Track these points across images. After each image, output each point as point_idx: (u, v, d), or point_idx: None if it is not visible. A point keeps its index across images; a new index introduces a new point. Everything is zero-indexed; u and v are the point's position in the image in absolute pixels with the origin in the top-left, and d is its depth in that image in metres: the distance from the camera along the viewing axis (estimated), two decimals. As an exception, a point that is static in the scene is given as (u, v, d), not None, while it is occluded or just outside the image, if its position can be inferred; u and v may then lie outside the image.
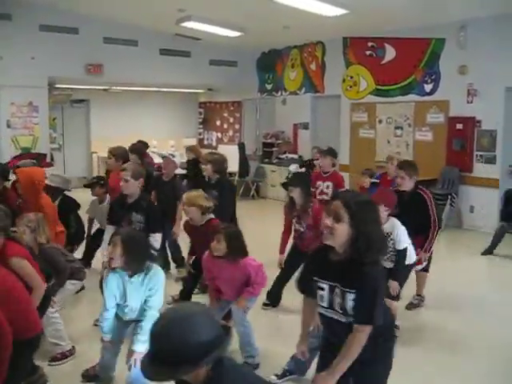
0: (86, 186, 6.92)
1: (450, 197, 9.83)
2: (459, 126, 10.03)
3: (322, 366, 2.93)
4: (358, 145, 11.84)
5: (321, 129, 13.18)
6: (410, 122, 10.97)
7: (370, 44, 11.56)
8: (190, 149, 9.51)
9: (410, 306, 5.90)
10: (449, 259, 8.01)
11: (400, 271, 4.91)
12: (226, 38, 12.38)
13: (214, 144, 16.17)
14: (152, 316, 3.67)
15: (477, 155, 9.85)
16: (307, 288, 2.94)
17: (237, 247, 4.34)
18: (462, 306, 6.05)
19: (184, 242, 6.06)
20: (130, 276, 3.83)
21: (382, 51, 11.34)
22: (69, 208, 6.39)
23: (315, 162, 9.91)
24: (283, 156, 13.32)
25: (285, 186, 5.72)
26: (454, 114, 10.16)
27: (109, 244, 3.93)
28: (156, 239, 4.92)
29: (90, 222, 6.90)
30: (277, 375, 4.25)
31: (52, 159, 12.51)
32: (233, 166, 13.53)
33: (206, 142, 16.76)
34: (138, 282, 3.83)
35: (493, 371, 4.49)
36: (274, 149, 13.88)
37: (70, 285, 4.72)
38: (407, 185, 5.54)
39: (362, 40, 11.68)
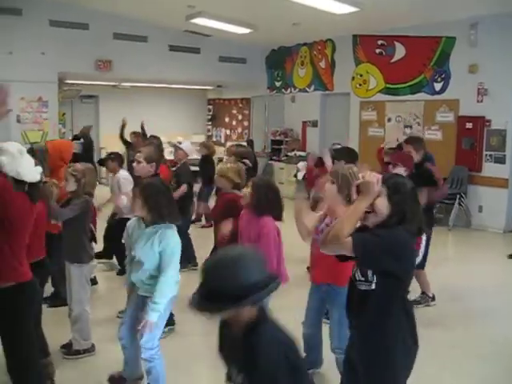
0: (100, 164, 6.97)
1: (458, 196, 9.79)
2: (469, 125, 9.98)
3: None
4: (366, 143, 11.79)
5: (330, 127, 13.15)
6: (419, 121, 10.93)
7: (379, 42, 11.52)
8: (203, 145, 9.48)
9: (413, 303, 5.85)
10: (457, 259, 7.99)
11: None
12: (235, 34, 12.36)
13: (223, 141, 16.18)
14: (163, 282, 3.56)
15: (486, 155, 9.80)
16: None
17: (264, 201, 4.06)
18: (467, 304, 6.04)
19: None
20: (146, 226, 3.73)
21: (391, 49, 11.29)
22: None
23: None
24: (292, 153, 13.29)
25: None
26: (463, 113, 10.11)
27: None
28: None
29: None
30: None
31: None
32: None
33: (214, 139, 16.76)
34: (149, 233, 3.69)
35: (496, 371, 4.46)
36: (283, 146, 13.87)
37: (78, 270, 4.43)
38: (415, 158, 5.75)
39: (372, 38, 11.64)
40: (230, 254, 2.09)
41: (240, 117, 15.75)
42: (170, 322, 4.71)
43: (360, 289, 2.71)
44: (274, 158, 13.98)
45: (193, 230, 7.35)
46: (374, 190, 2.55)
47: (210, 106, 17.14)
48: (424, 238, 5.36)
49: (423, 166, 5.81)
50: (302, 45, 13.50)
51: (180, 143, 7.34)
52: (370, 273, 2.66)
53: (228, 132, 16.29)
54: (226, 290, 1.94)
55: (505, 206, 9.46)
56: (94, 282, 6.07)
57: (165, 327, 4.02)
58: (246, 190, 4.15)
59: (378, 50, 11.60)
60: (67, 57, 11.54)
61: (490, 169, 9.77)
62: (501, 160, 9.55)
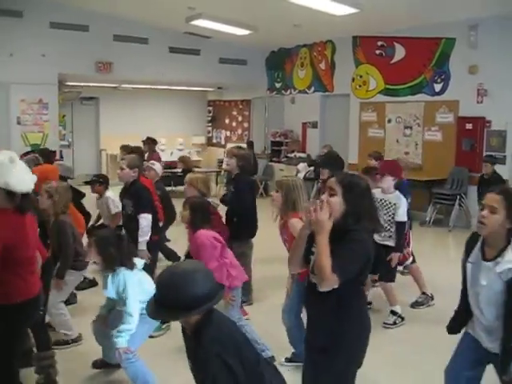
0: (86, 183, 7.11)
1: (458, 197, 9.80)
2: (469, 126, 10.00)
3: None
4: (367, 144, 11.80)
5: (330, 128, 13.17)
6: (419, 122, 10.94)
7: (379, 43, 11.53)
8: (181, 160, 9.71)
9: (414, 304, 5.89)
10: (458, 260, 7.97)
11: (399, 244, 5.26)
12: (235, 36, 12.38)
13: (223, 142, 16.21)
14: (127, 320, 3.80)
15: (486, 155, 9.79)
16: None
17: (198, 217, 4.39)
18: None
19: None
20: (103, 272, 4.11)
21: (391, 50, 11.31)
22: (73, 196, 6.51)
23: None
24: (292, 155, 13.31)
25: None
26: (463, 113, 10.12)
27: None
28: (143, 218, 5.10)
29: (99, 216, 7.03)
30: (286, 358, 4.38)
31: (61, 156, 12.55)
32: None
33: (214, 140, 16.80)
34: (106, 276, 4.04)
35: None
36: (283, 147, 13.89)
37: (71, 275, 4.76)
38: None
39: (372, 39, 11.65)
40: (181, 269, 2.41)
41: (240, 118, 15.77)
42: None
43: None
44: (274, 159, 13.99)
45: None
46: (327, 226, 2.58)
47: (210, 108, 17.16)
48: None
49: None
50: (302, 46, 13.52)
51: (153, 164, 7.57)
52: None
53: (228, 133, 16.30)
54: (177, 302, 2.24)
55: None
56: (93, 283, 6.27)
57: (162, 323, 4.49)
58: (184, 212, 4.43)
59: (377, 51, 11.61)
60: (67, 58, 11.58)
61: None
62: (501, 161, 9.49)
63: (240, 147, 7.05)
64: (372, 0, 9.14)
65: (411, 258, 5.85)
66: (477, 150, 9.89)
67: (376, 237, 5.32)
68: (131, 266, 3.99)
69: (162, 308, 2.29)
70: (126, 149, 8.62)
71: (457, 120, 10.23)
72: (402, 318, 5.35)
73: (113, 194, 6.70)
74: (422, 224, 10.10)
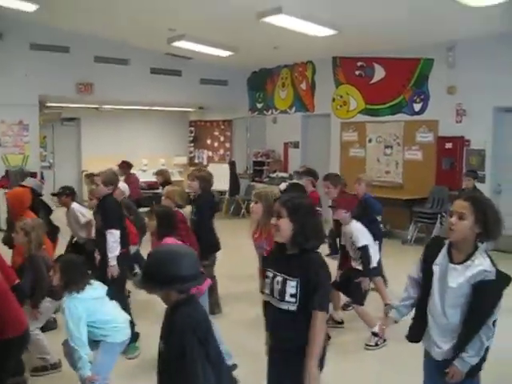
0: (53, 195, 7.13)
1: (439, 216, 9.87)
2: (448, 146, 10.11)
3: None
4: (348, 164, 11.88)
5: (311, 148, 13.24)
6: (399, 141, 11.05)
7: (359, 64, 11.66)
8: (159, 173, 9.72)
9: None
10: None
11: (367, 269, 5.38)
12: (216, 57, 12.42)
13: (205, 162, 16.18)
14: (73, 349, 3.76)
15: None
16: None
17: (164, 225, 4.52)
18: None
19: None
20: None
21: (371, 71, 11.44)
22: (38, 211, 6.45)
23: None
24: (274, 175, 13.32)
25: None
26: (443, 133, 10.25)
27: None
28: (110, 234, 5.06)
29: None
30: None
31: (42, 177, 12.45)
32: (223, 184, 13.56)
33: (196, 161, 16.77)
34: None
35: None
36: (265, 167, 13.91)
37: (47, 302, 4.74)
38: (333, 194, 6.18)
39: (352, 60, 11.78)
40: (170, 249, 2.76)
41: (222, 138, 15.79)
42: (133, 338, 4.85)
43: (276, 307, 2.92)
44: (256, 179, 13.99)
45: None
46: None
47: (192, 128, 17.15)
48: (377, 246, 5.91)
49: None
50: (283, 67, 13.62)
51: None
52: (289, 293, 2.86)
53: (210, 153, 16.30)
54: (158, 275, 2.43)
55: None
56: None
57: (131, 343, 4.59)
58: (151, 222, 4.57)
59: (357, 72, 11.74)
60: (48, 80, 11.55)
61: (469, 188, 9.86)
62: (480, 179, 9.56)
63: (200, 169, 7.28)
64: (351, 22, 9.24)
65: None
66: (457, 168, 9.99)
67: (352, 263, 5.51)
68: (77, 289, 3.92)
69: (148, 281, 2.48)
70: (89, 177, 8.51)
71: (437, 139, 10.35)
72: (384, 340, 5.35)
73: (78, 205, 6.77)
74: (403, 242, 10.16)
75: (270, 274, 2.97)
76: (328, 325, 5.61)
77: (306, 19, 9.09)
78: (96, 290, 4.05)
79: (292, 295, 2.84)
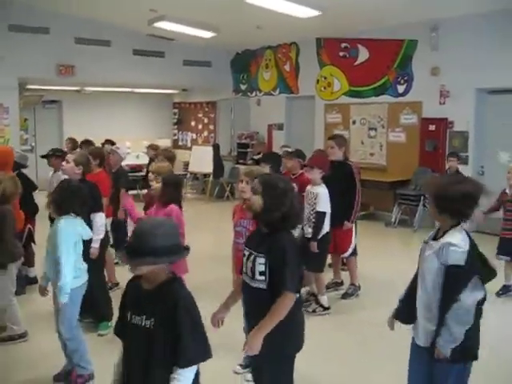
0: (42, 157, 7.11)
1: (422, 198, 9.86)
2: (432, 127, 10.10)
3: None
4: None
5: (295, 130, 13.18)
6: (383, 123, 11.01)
7: (343, 45, 11.57)
8: (151, 147, 9.62)
9: (345, 296, 6.22)
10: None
11: (316, 234, 5.41)
12: (199, 38, 12.28)
13: (189, 145, 16.08)
14: (61, 266, 3.80)
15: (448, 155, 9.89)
16: None
17: (170, 192, 4.57)
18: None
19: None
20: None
21: (355, 52, 11.35)
22: (25, 186, 6.32)
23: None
24: (258, 157, 13.25)
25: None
26: (426, 115, 10.22)
27: None
28: (98, 217, 5.01)
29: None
30: (241, 365, 4.35)
31: (24, 161, 12.28)
32: (207, 167, 13.49)
33: (180, 143, 16.66)
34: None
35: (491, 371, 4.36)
36: (249, 149, 13.84)
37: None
38: (337, 155, 6.10)
39: (335, 41, 11.69)
40: (152, 222, 2.67)
41: (206, 120, 15.67)
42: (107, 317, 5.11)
43: (250, 285, 2.97)
44: (241, 161, 13.92)
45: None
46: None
47: (176, 110, 17.02)
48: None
49: (346, 165, 6.19)
50: (267, 48, 13.50)
51: (118, 148, 7.52)
52: (258, 271, 2.92)
53: (194, 136, 16.19)
54: (144, 249, 2.36)
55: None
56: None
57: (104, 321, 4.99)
58: (157, 185, 4.64)
59: (341, 53, 11.65)
60: (27, 62, 11.33)
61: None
62: (463, 161, 9.59)
63: (166, 149, 7.60)
64: (334, 2, 9.15)
65: (350, 251, 6.15)
66: (440, 150, 9.98)
67: (305, 230, 5.56)
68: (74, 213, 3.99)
69: (132, 255, 2.41)
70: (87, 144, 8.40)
71: (420, 121, 10.32)
72: (326, 308, 5.65)
73: None
74: (387, 225, 10.18)
75: (246, 253, 3.02)
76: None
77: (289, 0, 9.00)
78: (84, 228, 4.12)
79: (261, 273, 2.90)
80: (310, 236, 5.45)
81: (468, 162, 9.64)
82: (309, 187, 5.55)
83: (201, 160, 13.75)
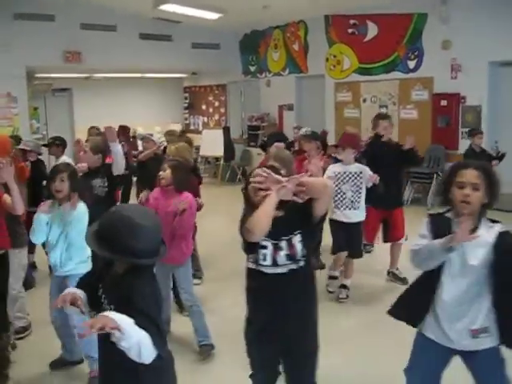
0: (44, 146, 7.14)
1: (435, 175, 9.69)
2: (444, 103, 9.88)
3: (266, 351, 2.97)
4: (343, 125, 11.58)
5: (306, 109, 13.01)
6: (394, 100, 10.81)
7: (351, 22, 11.34)
8: (169, 133, 9.47)
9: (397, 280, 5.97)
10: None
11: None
12: (206, 20, 12.11)
13: (201, 129, 15.99)
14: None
15: (462, 132, 9.67)
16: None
17: (181, 178, 4.41)
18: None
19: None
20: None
21: (364, 29, 11.12)
22: (42, 174, 6.29)
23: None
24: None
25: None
26: (438, 90, 9.99)
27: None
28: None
29: None
30: None
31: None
32: (218, 150, 13.40)
33: (192, 127, 16.58)
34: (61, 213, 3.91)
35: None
36: (260, 131, 13.69)
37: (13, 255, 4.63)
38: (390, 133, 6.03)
39: (344, 18, 11.46)
40: (131, 215, 2.28)
41: (216, 103, 15.55)
42: None
43: (281, 272, 2.82)
44: (252, 143, 13.79)
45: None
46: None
47: (187, 94, 16.91)
48: None
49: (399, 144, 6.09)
50: (275, 28, 13.29)
51: (151, 135, 7.34)
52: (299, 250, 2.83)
53: (205, 119, 16.08)
54: (112, 240, 2.20)
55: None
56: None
57: None
58: (166, 173, 4.36)
59: (350, 30, 11.42)
60: (34, 50, 11.25)
61: (466, 146, 9.63)
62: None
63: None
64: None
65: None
66: (452, 126, 9.77)
67: (342, 218, 5.34)
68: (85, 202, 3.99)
69: (101, 243, 2.25)
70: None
71: (432, 97, 10.10)
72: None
73: (67, 158, 6.68)
74: (400, 204, 10.02)
75: (268, 244, 2.81)
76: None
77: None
78: None
79: (301, 250, 2.83)
80: (356, 221, 5.39)
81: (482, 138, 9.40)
82: (342, 167, 5.34)
83: (211, 144, 13.64)
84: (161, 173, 4.40)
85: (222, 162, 13.48)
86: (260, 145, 10.81)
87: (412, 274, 2.95)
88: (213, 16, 11.71)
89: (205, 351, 4.31)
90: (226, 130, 13.54)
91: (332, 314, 4.97)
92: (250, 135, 14.00)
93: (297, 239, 2.81)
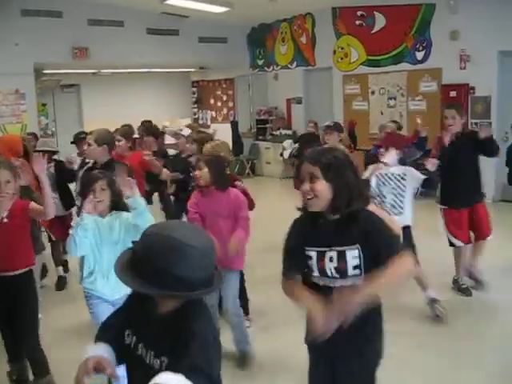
0: (72, 143, 7.22)
1: (445, 167, 9.61)
2: (453, 94, 9.79)
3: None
4: (351, 117, 11.57)
5: (314, 103, 12.96)
6: (403, 92, 10.74)
7: (359, 13, 11.27)
8: (190, 127, 9.40)
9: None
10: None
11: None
12: (213, 14, 12.10)
13: (209, 123, 15.95)
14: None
15: (471, 123, 9.59)
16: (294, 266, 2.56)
17: (220, 174, 4.00)
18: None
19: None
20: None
21: (371, 20, 11.05)
22: (65, 176, 6.11)
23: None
24: (277, 132, 13.12)
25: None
26: (446, 81, 9.91)
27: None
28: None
29: None
30: None
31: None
32: (227, 144, 13.36)
33: (200, 122, 16.54)
34: (109, 221, 3.51)
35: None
36: (268, 125, 13.66)
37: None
38: (459, 126, 5.44)
39: (351, 9, 11.39)
40: (180, 235, 1.72)
41: (225, 98, 15.51)
42: None
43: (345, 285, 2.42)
44: (260, 137, 13.77)
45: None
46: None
47: (195, 89, 16.88)
48: None
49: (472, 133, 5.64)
50: (282, 21, 13.24)
51: (181, 130, 7.05)
52: (351, 266, 2.40)
53: (214, 114, 16.06)
54: (164, 274, 1.66)
55: (493, 175, 9.27)
56: None
57: None
58: (200, 172, 3.97)
59: (357, 22, 11.36)
60: (42, 47, 11.28)
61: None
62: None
63: (200, 131, 6.86)
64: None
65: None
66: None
67: None
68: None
69: (137, 277, 1.70)
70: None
71: (440, 88, 10.02)
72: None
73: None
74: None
75: (313, 253, 2.44)
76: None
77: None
78: None
79: (355, 267, 2.39)
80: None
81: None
82: (383, 170, 4.83)
83: (220, 138, 13.58)
84: (196, 172, 4.03)
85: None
86: (292, 155, 10.21)
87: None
88: (220, 10, 11.68)
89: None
90: (234, 125, 13.52)
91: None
92: (258, 129, 13.98)
93: (352, 254, 2.41)
